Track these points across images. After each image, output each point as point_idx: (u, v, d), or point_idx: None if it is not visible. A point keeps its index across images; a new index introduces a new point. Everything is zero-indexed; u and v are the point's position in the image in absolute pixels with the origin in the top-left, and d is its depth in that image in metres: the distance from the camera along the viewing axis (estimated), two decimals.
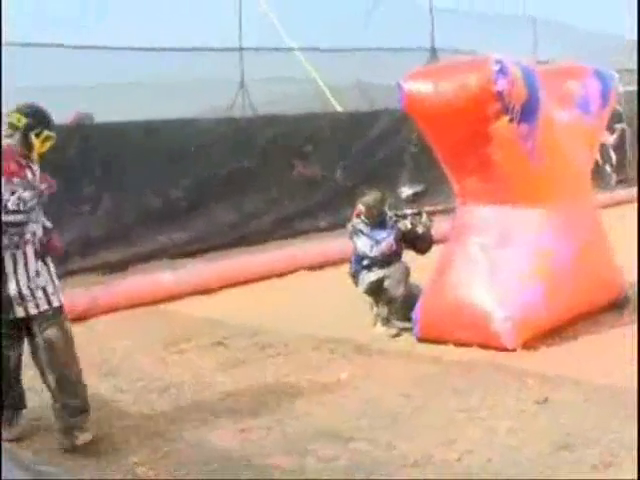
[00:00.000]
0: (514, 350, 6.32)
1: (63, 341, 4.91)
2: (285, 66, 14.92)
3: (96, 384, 5.90)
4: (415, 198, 7.52)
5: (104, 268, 10.31)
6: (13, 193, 4.68)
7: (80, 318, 7.96)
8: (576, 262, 6.85)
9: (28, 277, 4.79)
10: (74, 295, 8.13)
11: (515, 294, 6.50)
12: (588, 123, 7.29)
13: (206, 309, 8.68)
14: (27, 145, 4.91)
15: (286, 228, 12.16)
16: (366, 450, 4.67)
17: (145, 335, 7.66)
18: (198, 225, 11.41)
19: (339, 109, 14.63)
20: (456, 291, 6.63)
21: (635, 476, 4.04)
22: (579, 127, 7.17)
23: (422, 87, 6.58)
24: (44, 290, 4.85)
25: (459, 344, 6.49)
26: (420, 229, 7.40)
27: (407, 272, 7.30)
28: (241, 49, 14.00)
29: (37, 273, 4.83)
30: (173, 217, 11.16)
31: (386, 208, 7.48)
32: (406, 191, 7.54)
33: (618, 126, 19.51)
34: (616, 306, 7.41)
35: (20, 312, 4.81)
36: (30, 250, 4.81)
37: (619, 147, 19.49)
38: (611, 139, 19.15)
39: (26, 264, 4.80)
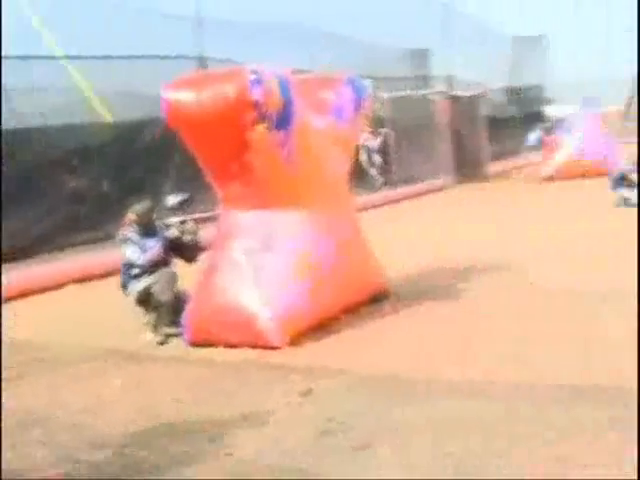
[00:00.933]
0: (280, 348, 6.58)
1: None
2: (52, 75, 14.52)
3: None
4: (181, 206, 7.60)
5: None
6: None
7: None
8: (336, 261, 7.23)
9: None
10: None
11: (279, 294, 6.77)
12: (342, 129, 7.70)
13: None
14: None
15: (51, 242, 11.95)
16: (141, 455, 4.73)
17: None
18: None
19: (109, 119, 14.48)
20: (222, 294, 6.82)
21: None
22: (334, 133, 7.56)
23: (182, 96, 6.72)
24: None
25: (229, 345, 6.68)
26: (187, 237, 7.53)
27: (174, 278, 7.41)
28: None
29: None
30: None
31: (154, 217, 7.55)
32: (172, 200, 7.60)
33: (382, 130, 20.55)
34: (376, 300, 7.88)
35: None
36: None
37: (383, 150, 20.50)
38: (375, 143, 20.12)
39: None
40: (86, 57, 15.06)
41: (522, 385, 5.38)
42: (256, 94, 6.36)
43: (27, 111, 13.79)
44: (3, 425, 5.33)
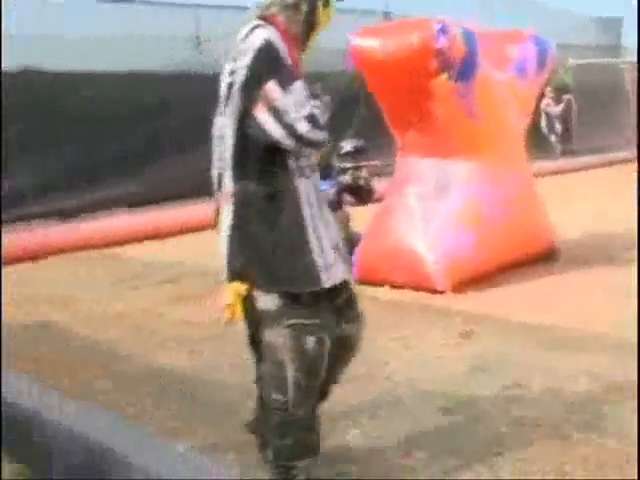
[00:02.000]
0: (444, 292, 6.79)
1: None
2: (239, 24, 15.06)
3: (51, 314, 6.26)
4: (355, 153, 7.89)
5: (59, 214, 10.60)
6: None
7: (31, 258, 8.29)
8: (507, 215, 7.33)
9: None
10: (26, 236, 8.46)
11: (447, 240, 6.97)
12: (523, 85, 7.74)
13: (157, 253, 9.04)
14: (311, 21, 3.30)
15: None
16: None
17: (97, 274, 8.02)
18: (153, 176, 11.72)
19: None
20: (392, 236, 7.09)
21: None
22: (514, 89, 7.62)
23: (369, 42, 6.98)
24: None
25: (394, 286, 6.96)
26: (360, 182, 7.81)
27: (347, 219, 7.74)
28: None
29: None
30: (128, 167, 11.46)
31: (334, 161, 7.87)
32: (346, 146, 7.90)
33: (565, 97, 20.11)
34: (545, 259, 7.92)
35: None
36: None
37: (565, 118, 20.07)
38: (557, 110, 19.72)
39: None
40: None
41: None
42: (441, 43, 6.53)
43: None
44: (182, 334, 5.84)
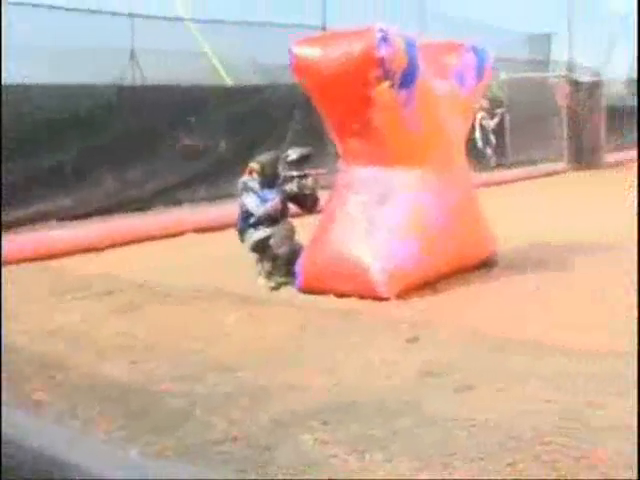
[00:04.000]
0: (389, 299, 6.81)
1: None
2: (175, 36, 15.02)
3: None
4: (301, 161, 7.88)
5: None
6: None
7: None
8: (448, 222, 7.40)
9: None
10: None
11: (391, 248, 7.00)
12: (463, 95, 7.84)
13: (94, 266, 8.89)
14: None
15: (166, 197, 12.46)
16: (250, 378, 5.05)
17: (34, 286, 7.84)
18: (83, 190, 11.59)
19: (228, 82, 14.95)
20: (336, 244, 7.09)
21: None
22: (455, 98, 7.71)
23: (310, 52, 7.00)
24: None
25: (339, 295, 6.94)
26: (305, 191, 7.81)
27: (292, 231, 7.73)
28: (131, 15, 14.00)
29: None
30: (60, 182, 11.31)
31: (279, 169, 7.83)
32: (292, 154, 7.89)
33: (499, 111, 20.45)
34: (485, 266, 8.01)
35: None
36: None
37: (499, 131, 20.41)
38: (492, 123, 20.05)
39: None
40: (210, 21, 15.52)
41: (614, 347, 5.45)
42: (382, 51, 6.57)
43: (151, 71, 14.36)
44: (124, 344, 5.74)
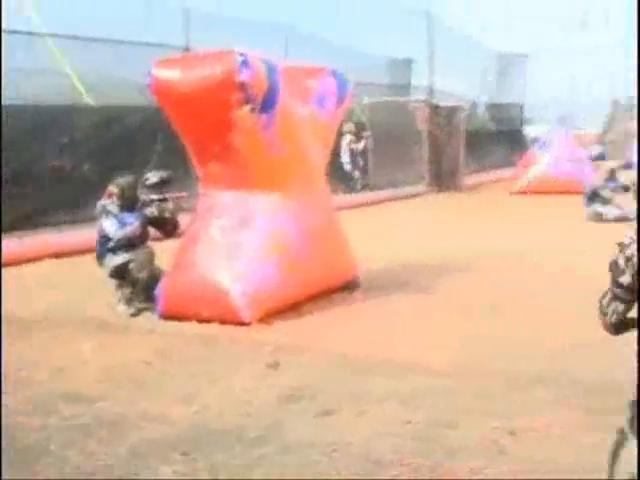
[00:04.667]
0: (250, 324, 6.76)
1: None
2: (37, 56, 14.59)
3: None
4: (161, 184, 7.76)
5: None
6: None
7: None
8: (309, 246, 7.43)
9: None
10: None
11: (251, 272, 6.95)
12: (323, 119, 7.91)
13: None
14: None
15: (33, 220, 12.06)
16: (107, 409, 4.90)
17: None
18: None
19: (91, 102, 14.61)
20: (196, 269, 6.99)
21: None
22: (315, 122, 7.77)
23: (170, 74, 6.90)
24: None
25: (200, 320, 6.84)
26: (166, 215, 7.68)
27: (151, 256, 7.58)
28: None
29: None
30: None
31: (138, 193, 7.68)
32: (152, 177, 7.76)
33: (365, 134, 20.82)
34: (347, 289, 8.08)
35: None
36: None
37: (364, 154, 20.75)
38: (360, 146, 20.39)
39: None
40: (70, 37, 15.14)
41: (473, 367, 5.60)
42: (243, 75, 6.55)
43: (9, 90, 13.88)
44: None
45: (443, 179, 22.09)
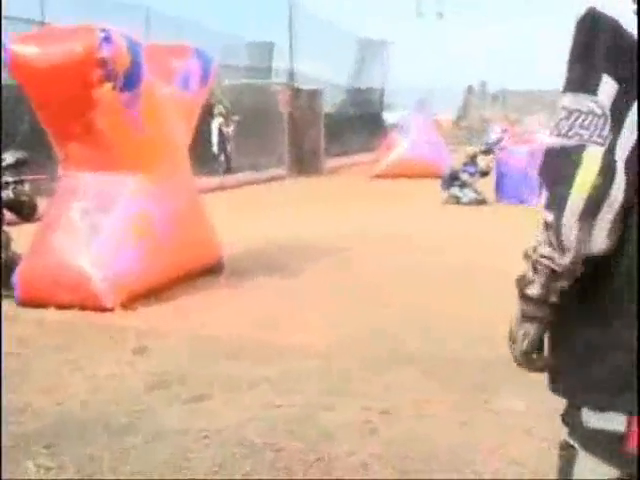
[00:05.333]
0: (113, 309, 6.55)
1: None
2: None
3: None
4: (17, 166, 7.42)
5: None
6: None
7: None
8: (173, 228, 7.27)
9: None
10: None
11: (113, 256, 6.74)
12: (187, 99, 7.74)
13: None
14: None
15: None
16: None
17: None
18: None
19: None
20: (55, 254, 6.72)
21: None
22: (179, 102, 7.59)
23: (28, 50, 6.57)
24: None
25: (60, 306, 6.57)
26: (23, 198, 7.36)
27: (8, 240, 7.23)
28: None
29: None
30: None
31: None
32: (8, 158, 7.40)
33: (235, 117, 20.65)
34: (211, 272, 7.96)
35: None
36: None
37: (234, 137, 20.60)
38: (230, 129, 20.19)
39: None
40: None
41: (344, 348, 5.62)
42: (104, 52, 6.32)
43: None
44: None
45: (304, 163, 22.20)
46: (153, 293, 7.00)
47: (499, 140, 16.69)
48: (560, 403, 1.94)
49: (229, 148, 20.32)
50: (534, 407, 4.25)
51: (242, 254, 9.07)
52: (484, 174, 15.24)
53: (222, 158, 20.14)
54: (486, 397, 4.60)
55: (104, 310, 6.53)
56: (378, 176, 20.71)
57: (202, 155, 16.43)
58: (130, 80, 6.58)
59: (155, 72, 7.18)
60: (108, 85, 6.47)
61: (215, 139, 19.51)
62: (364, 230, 11.13)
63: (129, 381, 4.95)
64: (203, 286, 7.58)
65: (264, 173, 20.54)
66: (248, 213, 13.37)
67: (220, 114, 19.78)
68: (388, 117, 26.85)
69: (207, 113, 19.54)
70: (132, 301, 6.73)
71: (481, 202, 14.76)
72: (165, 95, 7.35)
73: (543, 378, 1.95)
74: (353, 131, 28.56)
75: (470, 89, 41.41)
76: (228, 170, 20.09)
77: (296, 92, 22.47)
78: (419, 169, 20.05)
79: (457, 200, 14.82)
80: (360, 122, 29.39)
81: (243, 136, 20.81)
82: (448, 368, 5.11)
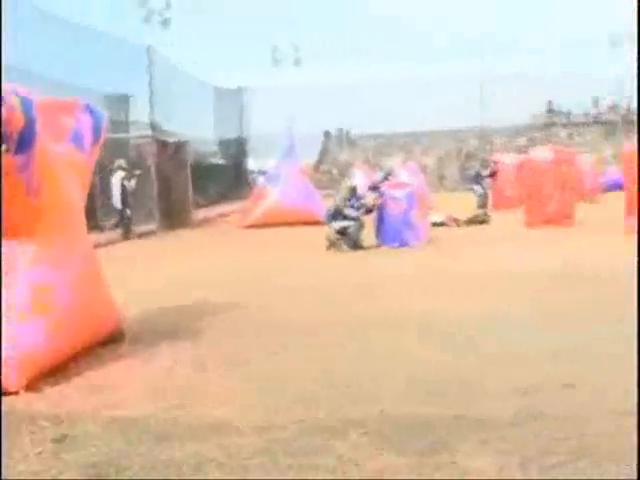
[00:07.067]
0: (18, 393, 5.92)
1: None
2: None
3: None
4: None
5: None
6: None
7: None
8: (73, 298, 6.73)
9: None
10: None
11: (15, 334, 6.11)
12: (81, 158, 7.25)
13: None
14: None
15: None
16: None
17: None
18: None
19: None
20: None
21: None
22: (73, 162, 7.09)
23: None
24: None
25: None
26: None
27: None
28: None
29: None
30: None
31: None
32: None
33: (137, 172, 20.01)
34: (114, 340, 7.43)
35: None
36: None
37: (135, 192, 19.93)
38: (132, 183, 19.50)
39: None
40: None
41: (274, 418, 5.27)
42: None
43: None
44: None
45: (173, 215, 21.71)
46: (58, 370, 6.40)
47: (386, 177, 16.81)
48: None
49: (131, 202, 19.58)
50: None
51: (137, 316, 8.56)
52: (369, 211, 15.20)
53: (128, 213, 19.38)
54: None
55: (9, 394, 5.88)
56: (249, 226, 20.46)
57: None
58: (25, 141, 6.05)
59: (46, 130, 6.66)
60: (2, 147, 5.91)
61: (117, 194, 18.83)
62: (252, 283, 10.89)
63: (62, 476, 4.41)
64: (107, 357, 7.00)
65: (136, 229, 19.89)
66: (122, 275, 12.74)
67: (120, 167, 19.12)
68: (253, 164, 26.80)
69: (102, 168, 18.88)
70: (37, 381, 6.11)
71: (359, 247, 14.68)
72: (58, 154, 6.83)
73: None
74: (218, 181, 28.23)
75: (327, 134, 41.90)
76: (128, 226, 19.36)
77: (162, 145, 21.96)
78: (292, 216, 19.95)
79: (339, 246, 14.68)
80: (224, 172, 29.12)
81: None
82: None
